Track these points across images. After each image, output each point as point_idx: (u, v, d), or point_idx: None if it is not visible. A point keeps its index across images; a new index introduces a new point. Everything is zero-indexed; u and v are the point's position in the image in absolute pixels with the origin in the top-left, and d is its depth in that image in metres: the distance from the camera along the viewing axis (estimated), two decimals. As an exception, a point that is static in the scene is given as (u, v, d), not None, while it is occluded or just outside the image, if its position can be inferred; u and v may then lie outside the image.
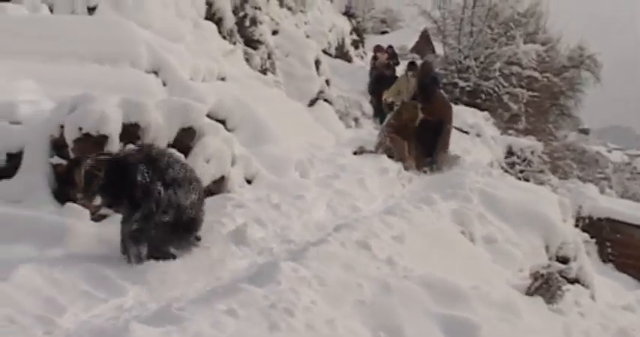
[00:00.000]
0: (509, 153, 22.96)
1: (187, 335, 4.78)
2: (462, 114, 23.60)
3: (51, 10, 11.69)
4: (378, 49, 25.27)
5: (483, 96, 31.29)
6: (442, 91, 17.94)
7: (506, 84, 31.80)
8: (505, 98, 31.65)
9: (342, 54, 29.29)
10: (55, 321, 5.21)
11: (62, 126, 7.78)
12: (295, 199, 9.13)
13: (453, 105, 17.40)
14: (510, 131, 28.97)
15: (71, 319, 5.31)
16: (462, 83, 31.32)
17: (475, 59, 32.02)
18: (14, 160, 7.92)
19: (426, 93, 15.30)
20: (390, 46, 26.06)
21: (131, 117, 7.88)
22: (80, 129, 7.61)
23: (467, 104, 28.84)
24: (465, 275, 7.75)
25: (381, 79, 22.24)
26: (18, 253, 6.48)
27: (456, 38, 33.54)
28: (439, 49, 39.12)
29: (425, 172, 14.04)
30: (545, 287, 8.75)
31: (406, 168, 13.40)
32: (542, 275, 8.85)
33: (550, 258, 10.67)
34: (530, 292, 8.70)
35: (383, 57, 24.18)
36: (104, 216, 7.67)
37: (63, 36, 10.52)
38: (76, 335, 4.98)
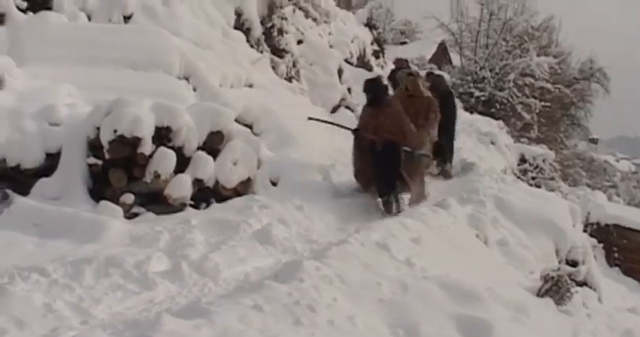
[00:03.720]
0: (522, 160, 23.38)
1: (216, 328, 4.85)
2: (477, 123, 23.89)
3: (89, 19, 12.02)
4: (398, 62, 24.99)
5: (498, 105, 31.69)
6: (391, 99, 11.14)
7: (519, 94, 32.20)
8: (518, 108, 32.05)
9: (363, 63, 29.31)
10: (90, 312, 5.52)
11: (98, 129, 8.20)
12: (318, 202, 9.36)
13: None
14: (523, 139, 29.45)
15: (105, 310, 5.61)
16: (477, 93, 31.72)
17: (490, 70, 32.43)
18: (53, 159, 8.34)
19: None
20: (405, 60, 25.75)
21: (164, 121, 8.30)
22: (115, 131, 8.04)
23: (482, 113, 29.23)
24: (480, 276, 7.85)
25: None
26: (56, 247, 6.89)
27: (473, 50, 34.07)
28: (456, 60, 39.48)
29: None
30: (555, 289, 8.87)
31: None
32: (553, 278, 8.97)
33: (560, 262, 10.85)
34: (540, 293, 8.85)
35: None
36: (136, 214, 8.10)
37: (100, 43, 10.87)
38: (110, 325, 5.17)
